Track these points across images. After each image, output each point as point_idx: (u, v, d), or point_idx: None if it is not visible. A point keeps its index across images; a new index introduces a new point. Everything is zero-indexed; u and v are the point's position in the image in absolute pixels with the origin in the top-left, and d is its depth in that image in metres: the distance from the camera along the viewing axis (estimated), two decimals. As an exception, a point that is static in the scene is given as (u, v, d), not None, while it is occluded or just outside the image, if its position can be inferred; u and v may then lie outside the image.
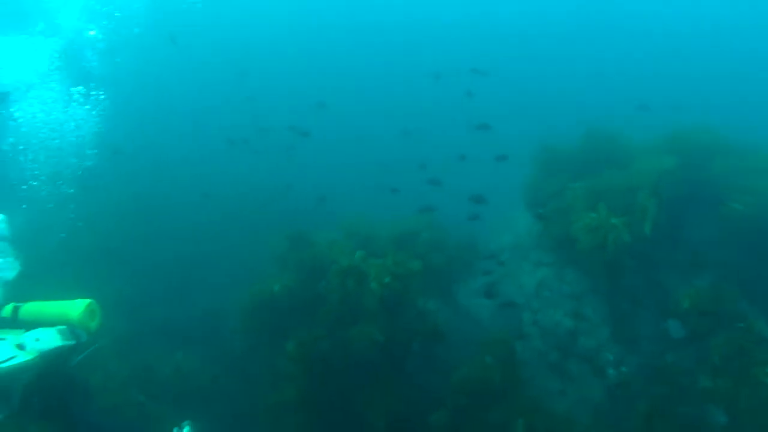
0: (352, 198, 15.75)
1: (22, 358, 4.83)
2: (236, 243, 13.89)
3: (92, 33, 11.51)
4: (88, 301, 5.27)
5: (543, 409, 8.44)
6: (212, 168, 17.85)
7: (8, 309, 5.30)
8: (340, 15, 32.28)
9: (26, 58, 9.32)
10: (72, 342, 5.09)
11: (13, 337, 5.01)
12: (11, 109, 8.80)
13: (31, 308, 5.28)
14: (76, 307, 5.18)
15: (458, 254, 11.69)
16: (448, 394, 8.49)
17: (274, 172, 17.61)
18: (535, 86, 27.10)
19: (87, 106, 9.60)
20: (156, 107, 21.93)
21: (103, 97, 9.81)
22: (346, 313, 8.92)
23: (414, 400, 8.76)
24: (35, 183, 8.82)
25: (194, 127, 21.23)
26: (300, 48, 29.40)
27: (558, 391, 9.55)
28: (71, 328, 5.15)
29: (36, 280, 5.74)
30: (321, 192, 15.11)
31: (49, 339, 4.99)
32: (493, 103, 19.44)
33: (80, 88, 9.59)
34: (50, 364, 5.02)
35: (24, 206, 7.75)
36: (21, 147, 8.83)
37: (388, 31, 32.31)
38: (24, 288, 5.64)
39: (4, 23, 9.57)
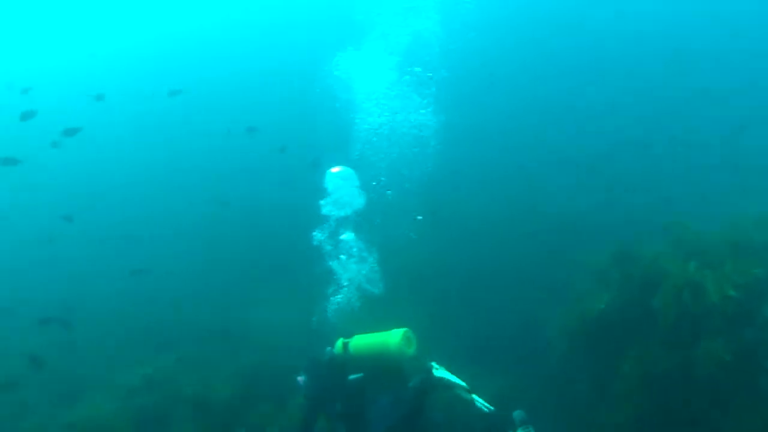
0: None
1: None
2: (539, 257, 13.69)
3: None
4: (403, 330, 5.53)
5: None
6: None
7: (339, 345, 5.77)
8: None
9: (368, 71, 10.09)
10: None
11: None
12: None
13: (357, 342, 5.67)
14: (393, 337, 5.46)
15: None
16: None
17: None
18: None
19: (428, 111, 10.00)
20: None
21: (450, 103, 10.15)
22: (685, 330, 8.26)
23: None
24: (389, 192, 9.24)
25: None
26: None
27: None
28: (401, 358, 5.46)
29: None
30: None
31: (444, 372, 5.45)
32: None
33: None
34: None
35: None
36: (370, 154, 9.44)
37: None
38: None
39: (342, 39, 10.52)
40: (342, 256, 6.93)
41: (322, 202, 7.11)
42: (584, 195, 16.03)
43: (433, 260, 13.60)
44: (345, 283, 6.86)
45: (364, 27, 11.25)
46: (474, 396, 5.40)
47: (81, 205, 20.16)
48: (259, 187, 20.66)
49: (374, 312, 6.66)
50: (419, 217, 10.42)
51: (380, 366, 5.52)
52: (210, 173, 22.31)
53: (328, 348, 5.77)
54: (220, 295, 15.30)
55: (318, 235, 7.11)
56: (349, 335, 5.81)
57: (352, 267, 6.92)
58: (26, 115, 14.53)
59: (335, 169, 7.03)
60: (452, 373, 5.54)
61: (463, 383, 5.43)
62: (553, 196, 16.14)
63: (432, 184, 10.46)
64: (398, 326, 5.65)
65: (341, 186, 6.86)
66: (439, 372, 5.50)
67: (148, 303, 15.34)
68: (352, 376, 5.59)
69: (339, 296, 6.85)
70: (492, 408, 5.34)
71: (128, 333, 14.00)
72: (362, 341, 5.67)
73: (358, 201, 6.94)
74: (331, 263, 6.98)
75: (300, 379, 5.83)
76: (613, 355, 8.80)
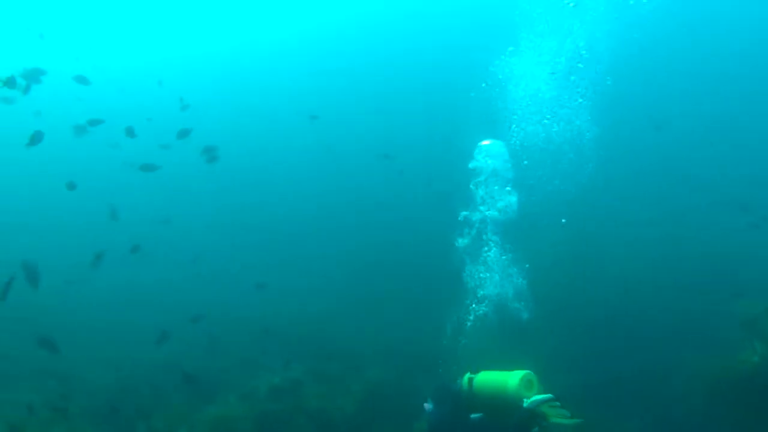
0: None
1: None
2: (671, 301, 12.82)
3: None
4: (524, 372, 5.29)
5: None
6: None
7: (465, 380, 5.61)
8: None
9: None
10: None
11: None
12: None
13: (480, 378, 5.51)
14: (512, 378, 5.27)
15: None
16: None
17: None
18: None
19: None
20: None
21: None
22: None
23: None
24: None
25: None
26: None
27: None
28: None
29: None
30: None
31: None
32: None
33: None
34: None
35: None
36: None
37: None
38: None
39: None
40: (481, 268, 6.79)
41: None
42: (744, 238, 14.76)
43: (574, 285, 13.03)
44: (485, 296, 6.72)
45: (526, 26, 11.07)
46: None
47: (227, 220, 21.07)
48: (401, 197, 20.86)
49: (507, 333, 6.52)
50: (563, 221, 10.15)
51: (497, 407, 5.35)
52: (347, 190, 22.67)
53: (458, 380, 5.65)
54: (350, 308, 15.65)
55: (460, 242, 6.99)
56: (477, 368, 5.68)
57: (495, 280, 6.78)
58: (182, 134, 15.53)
59: (485, 142, 6.85)
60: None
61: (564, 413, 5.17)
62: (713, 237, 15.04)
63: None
64: (526, 358, 5.55)
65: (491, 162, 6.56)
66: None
67: (275, 316, 15.96)
68: (474, 415, 5.49)
69: (477, 309, 6.74)
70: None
71: (263, 342, 14.56)
72: (485, 378, 5.53)
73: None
74: (470, 273, 6.85)
75: (426, 405, 5.78)
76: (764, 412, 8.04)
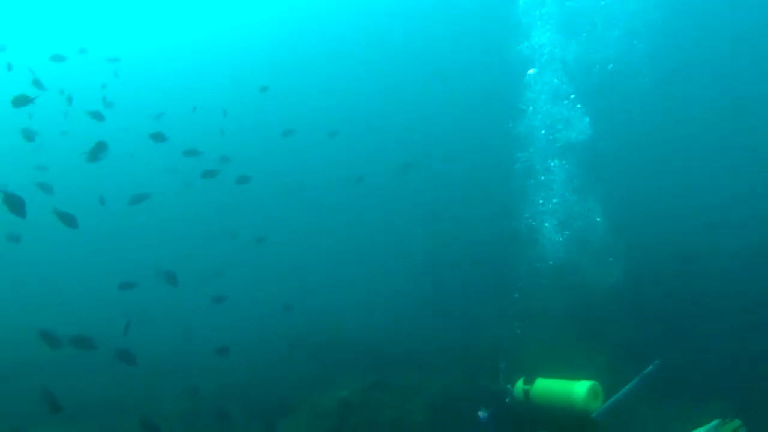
0: None
1: None
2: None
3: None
4: (590, 383, 5.03)
5: None
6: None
7: (519, 387, 5.37)
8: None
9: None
10: None
11: None
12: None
13: (539, 387, 5.30)
14: (578, 389, 5.00)
15: None
16: None
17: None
18: None
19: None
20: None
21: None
22: None
23: None
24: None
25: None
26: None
27: None
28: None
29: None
30: None
31: None
32: None
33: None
34: None
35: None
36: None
37: None
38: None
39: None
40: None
41: None
42: None
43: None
44: None
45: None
46: None
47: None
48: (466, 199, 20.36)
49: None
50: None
51: (561, 418, 5.12)
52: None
53: (509, 386, 5.45)
54: (417, 314, 15.21)
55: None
56: (532, 374, 5.45)
57: None
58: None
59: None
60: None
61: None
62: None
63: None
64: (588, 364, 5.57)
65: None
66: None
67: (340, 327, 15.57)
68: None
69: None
70: None
71: (336, 355, 14.25)
72: (545, 387, 5.26)
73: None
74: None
75: (480, 413, 5.53)
76: None
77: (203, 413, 11.35)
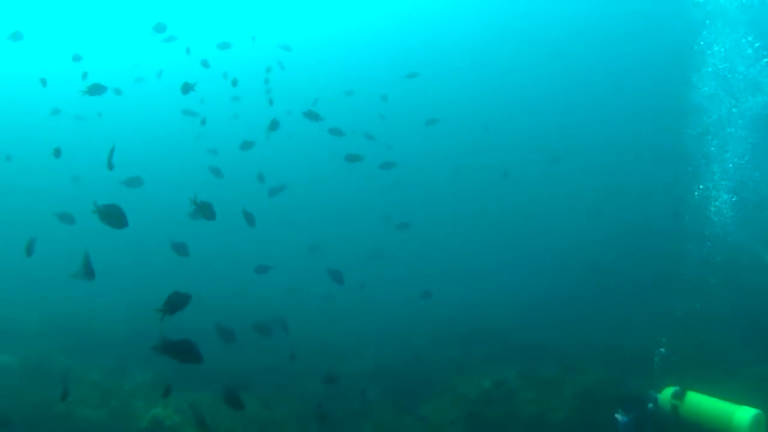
0: None
1: None
2: None
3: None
4: (755, 412, 4.44)
5: None
6: None
7: (666, 397, 4.97)
8: None
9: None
10: None
11: None
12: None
13: (691, 403, 4.84)
14: (741, 416, 4.41)
15: None
16: None
17: None
18: None
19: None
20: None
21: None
22: None
23: None
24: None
25: None
26: None
27: None
28: None
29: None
30: None
31: None
32: None
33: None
34: None
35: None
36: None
37: None
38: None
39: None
40: None
41: None
42: None
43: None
44: None
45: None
46: None
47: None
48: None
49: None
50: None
51: None
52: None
53: (651, 391, 5.16)
54: (563, 306, 14.78)
55: None
56: (682, 388, 5.04)
57: None
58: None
59: None
60: None
61: None
62: None
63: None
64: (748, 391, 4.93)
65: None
66: None
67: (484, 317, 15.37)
68: None
69: None
70: None
71: (480, 344, 14.17)
72: (699, 405, 4.78)
73: None
74: None
75: (618, 417, 5.24)
76: None
77: (347, 395, 11.68)
